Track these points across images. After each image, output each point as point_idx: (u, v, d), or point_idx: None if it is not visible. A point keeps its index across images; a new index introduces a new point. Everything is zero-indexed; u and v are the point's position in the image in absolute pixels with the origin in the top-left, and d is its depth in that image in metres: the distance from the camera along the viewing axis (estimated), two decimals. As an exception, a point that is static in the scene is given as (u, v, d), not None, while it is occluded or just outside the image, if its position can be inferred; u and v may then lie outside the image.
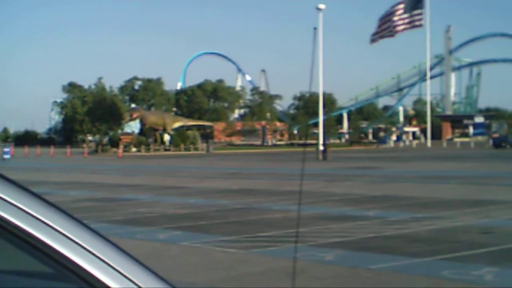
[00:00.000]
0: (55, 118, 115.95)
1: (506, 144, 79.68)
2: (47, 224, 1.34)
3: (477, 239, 11.09)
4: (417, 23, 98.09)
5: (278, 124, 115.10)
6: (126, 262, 1.39)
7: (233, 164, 43.59)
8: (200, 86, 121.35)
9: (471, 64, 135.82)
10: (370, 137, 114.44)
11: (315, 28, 2.60)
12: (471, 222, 13.28)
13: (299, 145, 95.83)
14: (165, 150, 73.46)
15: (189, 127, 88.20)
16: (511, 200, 17.32)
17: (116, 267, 1.37)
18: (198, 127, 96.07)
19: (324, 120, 66.29)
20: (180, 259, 10.12)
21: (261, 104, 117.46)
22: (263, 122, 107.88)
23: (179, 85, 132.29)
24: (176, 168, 39.52)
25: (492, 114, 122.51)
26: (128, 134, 79.50)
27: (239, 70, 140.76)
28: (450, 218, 13.89)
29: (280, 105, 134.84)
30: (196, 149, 76.05)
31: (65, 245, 1.34)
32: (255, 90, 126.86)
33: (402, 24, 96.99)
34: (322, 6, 58.44)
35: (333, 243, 10.95)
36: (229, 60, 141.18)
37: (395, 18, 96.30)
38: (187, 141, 77.15)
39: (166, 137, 77.12)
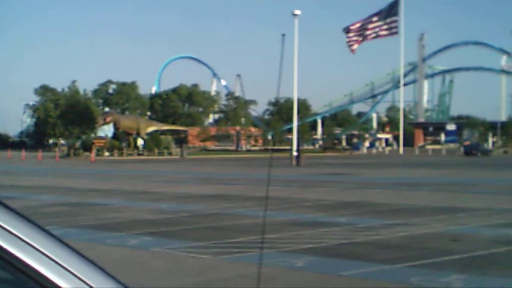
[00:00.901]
0: (27, 121, 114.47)
1: (477, 151, 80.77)
2: None
3: (446, 246, 11.21)
4: (392, 30, 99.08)
5: (252, 129, 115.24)
6: (77, 262, 1.37)
7: (207, 169, 43.50)
8: (175, 91, 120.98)
9: (443, 72, 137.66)
10: (344, 143, 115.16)
11: (283, 35, 2.62)
12: (441, 229, 13.42)
13: (273, 150, 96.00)
14: (139, 154, 73.00)
15: (163, 132, 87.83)
16: (480, 207, 17.54)
17: (67, 267, 1.35)
18: (173, 132, 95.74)
19: (298, 126, 66.51)
20: (150, 265, 10.05)
21: (235, 109, 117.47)
22: (238, 128, 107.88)
23: (153, 89, 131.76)
24: (149, 173, 39.30)
25: (464, 121, 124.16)
26: (101, 138, 78.89)
27: (215, 74, 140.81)
28: (420, 224, 14.03)
29: (255, 111, 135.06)
30: (170, 153, 75.70)
31: (13, 244, 1.32)
32: (230, 95, 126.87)
33: (377, 32, 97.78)
34: (297, 11, 58.72)
35: (304, 249, 10.97)
36: (205, 64, 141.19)
37: (371, 26, 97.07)
38: (161, 146, 76.78)
39: (140, 142, 76.68)
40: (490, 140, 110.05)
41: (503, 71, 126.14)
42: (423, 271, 9.14)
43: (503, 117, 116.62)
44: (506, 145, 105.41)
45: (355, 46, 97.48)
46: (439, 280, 8.51)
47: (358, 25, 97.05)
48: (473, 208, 17.29)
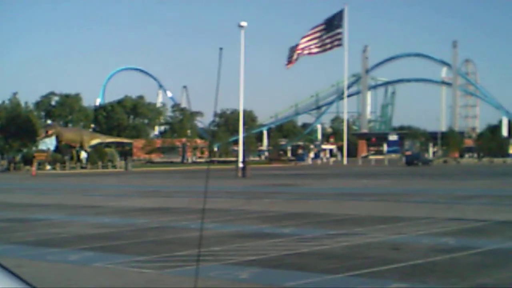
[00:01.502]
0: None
1: (418, 161, 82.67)
2: None
3: (387, 255, 11.41)
4: (336, 43, 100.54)
5: (198, 141, 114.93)
6: None
7: (152, 182, 43.08)
8: (119, 102, 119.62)
9: (386, 83, 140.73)
10: (289, 154, 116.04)
11: (220, 49, 2.66)
12: (382, 238, 13.66)
13: (219, 162, 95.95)
14: (82, 168, 71.70)
15: (107, 144, 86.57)
16: (420, 216, 17.94)
17: None
18: (117, 144, 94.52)
19: (244, 137, 66.68)
20: (92, 280, 9.87)
21: (182, 121, 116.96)
22: (184, 139, 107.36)
23: (98, 101, 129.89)
24: (92, 187, 38.64)
25: (406, 132, 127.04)
26: (42, 151, 77.05)
27: (160, 86, 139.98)
28: (363, 234, 14.24)
29: (201, 122, 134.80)
30: (114, 166, 74.66)
31: None
32: (176, 106, 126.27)
33: (320, 45, 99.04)
34: (244, 23, 59.00)
35: (248, 261, 10.98)
36: (150, 76, 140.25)
37: (315, 40, 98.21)
38: (105, 159, 75.65)
39: (83, 155, 75.35)
40: (431, 150, 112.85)
41: (443, 82, 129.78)
42: (364, 280, 9.28)
43: (443, 128, 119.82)
44: (446, 155, 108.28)
45: (292, 63, 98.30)
46: (380, 289, 8.65)
47: (304, 40, 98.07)
48: (414, 217, 17.66)
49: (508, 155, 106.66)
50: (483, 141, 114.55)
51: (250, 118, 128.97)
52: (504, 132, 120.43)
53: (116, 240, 14.08)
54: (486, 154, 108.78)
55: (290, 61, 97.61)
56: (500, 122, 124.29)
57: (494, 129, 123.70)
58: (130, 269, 10.52)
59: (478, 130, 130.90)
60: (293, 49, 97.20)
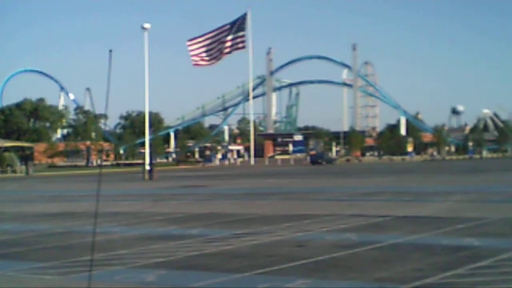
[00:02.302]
0: None
1: (322, 160, 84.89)
2: None
3: (292, 253, 11.67)
4: (240, 45, 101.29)
5: (103, 144, 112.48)
6: None
7: (54, 186, 41.80)
8: (18, 105, 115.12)
9: (290, 85, 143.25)
10: (197, 155, 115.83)
11: (110, 51, 2.65)
12: (288, 236, 13.95)
13: (126, 165, 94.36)
14: (-21, 173, 68.46)
15: (6, 148, 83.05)
16: (325, 213, 18.43)
17: None
18: (17, 149, 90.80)
19: (150, 140, 65.91)
20: (-10, 290, 9.49)
21: (85, 123, 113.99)
22: (88, 142, 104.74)
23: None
24: (-9, 193, 36.96)
25: (310, 132, 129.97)
26: None
27: (62, 88, 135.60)
28: (269, 233, 14.48)
29: (106, 125, 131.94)
30: (14, 171, 71.90)
31: None
32: (79, 109, 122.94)
33: (226, 47, 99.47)
34: (147, 25, 58.30)
35: (155, 264, 10.92)
36: (51, 78, 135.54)
37: (219, 42, 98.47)
38: (4, 163, 72.68)
39: (-20, 160, 71.98)
40: (334, 149, 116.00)
41: (344, 84, 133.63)
42: (270, 278, 9.46)
43: (346, 128, 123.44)
44: (349, 153, 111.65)
45: (202, 63, 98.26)
46: (285, 286, 8.85)
47: (204, 38, 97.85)
48: (318, 214, 18.13)
49: (406, 153, 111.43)
50: (383, 140, 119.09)
51: (156, 120, 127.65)
52: (403, 131, 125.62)
53: (17, 246, 13.59)
54: (386, 152, 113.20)
55: (198, 61, 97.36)
56: (399, 121, 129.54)
57: (393, 128, 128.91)
58: (31, 276, 10.21)
59: (378, 129, 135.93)
60: (195, 46, 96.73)
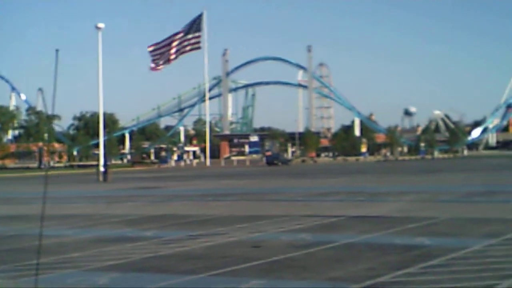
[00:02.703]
0: None
1: (278, 161, 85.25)
2: None
3: (247, 253, 11.70)
4: (195, 45, 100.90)
5: (56, 145, 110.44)
6: None
7: (5, 189, 40.88)
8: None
9: (246, 86, 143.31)
10: (152, 157, 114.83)
11: (57, 50, 2.64)
12: (243, 237, 13.99)
13: (80, 166, 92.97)
14: None
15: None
16: (280, 214, 18.54)
17: None
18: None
19: (105, 141, 65.08)
20: None
21: (38, 124, 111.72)
22: (40, 144, 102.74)
23: None
24: None
25: (266, 133, 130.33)
26: None
27: (13, 88, 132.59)
28: (224, 234, 14.49)
29: (59, 126, 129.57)
30: (-37, 173, 69.90)
31: None
32: (31, 110, 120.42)
33: (182, 47, 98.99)
34: (101, 25, 57.56)
35: (108, 266, 10.81)
36: (2, 78, 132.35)
37: (174, 44, 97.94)
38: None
39: None
40: (290, 150, 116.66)
41: (299, 85, 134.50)
42: (224, 279, 9.48)
43: (301, 128, 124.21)
44: (304, 154, 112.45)
45: (160, 67, 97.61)
46: (239, 287, 8.87)
47: (163, 44, 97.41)
48: (273, 215, 18.22)
49: (360, 153, 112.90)
50: (337, 140, 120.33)
51: (111, 120, 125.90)
52: (357, 131, 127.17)
53: (-35, 251, 13.26)
54: (340, 153, 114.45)
55: (155, 66, 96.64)
56: (353, 122, 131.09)
57: (348, 129, 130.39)
58: (-19, 281, 9.98)
59: (333, 130, 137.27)
60: (154, 51, 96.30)
